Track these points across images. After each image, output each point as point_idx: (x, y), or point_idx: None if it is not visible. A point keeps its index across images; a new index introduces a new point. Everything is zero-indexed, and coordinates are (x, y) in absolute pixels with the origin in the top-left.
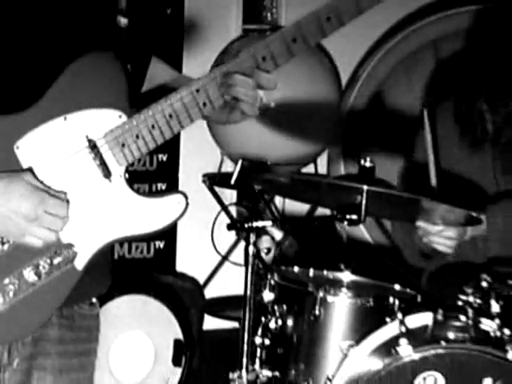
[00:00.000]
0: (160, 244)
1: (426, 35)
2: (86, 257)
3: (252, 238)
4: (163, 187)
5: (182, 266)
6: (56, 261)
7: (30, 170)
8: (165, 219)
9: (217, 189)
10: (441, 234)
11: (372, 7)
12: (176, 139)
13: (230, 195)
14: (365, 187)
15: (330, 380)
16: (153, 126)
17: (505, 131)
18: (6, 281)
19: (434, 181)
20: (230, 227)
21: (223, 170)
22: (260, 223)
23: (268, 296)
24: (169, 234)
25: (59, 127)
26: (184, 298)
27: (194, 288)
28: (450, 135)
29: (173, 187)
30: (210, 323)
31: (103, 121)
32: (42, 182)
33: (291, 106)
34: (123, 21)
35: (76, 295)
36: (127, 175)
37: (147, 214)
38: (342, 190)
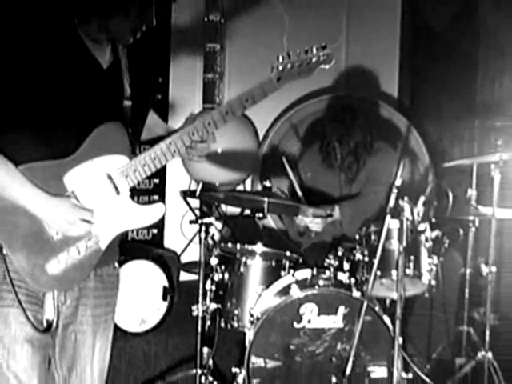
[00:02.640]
0: (154, 231)
1: (306, 111)
2: (106, 241)
3: (204, 228)
4: (156, 198)
5: (167, 243)
6: (89, 244)
7: (73, 192)
8: (154, 217)
9: (188, 199)
10: (312, 221)
11: (272, 93)
12: (163, 169)
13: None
14: (266, 199)
15: (251, 310)
16: (144, 164)
17: (348, 158)
18: (61, 255)
19: (300, 194)
20: (191, 222)
21: (192, 187)
22: (209, 220)
23: (214, 261)
24: (159, 225)
25: (89, 166)
26: (168, 261)
27: (174, 256)
28: (317, 162)
29: (161, 199)
30: (183, 276)
31: (115, 162)
32: (78, 200)
33: (229, 151)
34: (127, 103)
35: (102, 262)
36: (129, 192)
37: (143, 215)
38: (255, 198)
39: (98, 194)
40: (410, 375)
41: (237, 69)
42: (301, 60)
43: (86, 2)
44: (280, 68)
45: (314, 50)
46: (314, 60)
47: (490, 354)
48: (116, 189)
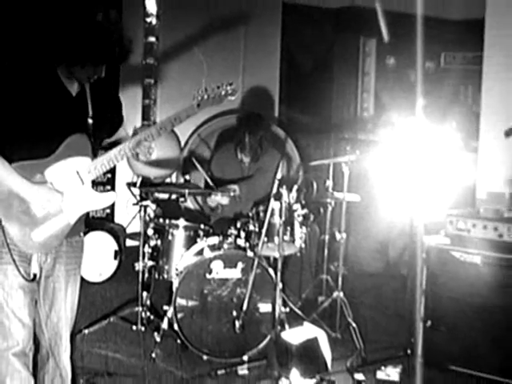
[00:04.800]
0: (108, 211)
1: (216, 126)
2: (74, 218)
3: (143, 208)
4: (109, 188)
5: (117, 219)
6: (62, 219)
7: (51, 183)
8: (107, 202)
9: (132, 188)
10: (221, 198)
11: (193, 115)
12: (114, 167)
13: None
14: (187, 191)
15: (177, 266)
16: (102, 164)
17: (254, 145)
18: (42, 227)
19: (211, 183)
20: (134, 204)
21: (134, 180)
22: (146, 203)
23: (150, 231)
24: (111, 206)
25: (63, 164)
26: (118, 232)
27: (121, 228)
28: (228, 156)
29: (112, 188)
30: (129, 243)
31: (81, 162)
32: (54, 187)
33: (160, 155)
34: (90, 121)
35: (72, 232)
36: (91, 183)
37: (101, 200)
38: (178, 188)
39: (68, 183)
40: (287, 309)
41: (167, 97)
42: (214, 93)
43: (59, 55)
44: (199, 98)
45: (224, 86)
46: (223, 93)
47: (341, 294)
48: (81, 180)
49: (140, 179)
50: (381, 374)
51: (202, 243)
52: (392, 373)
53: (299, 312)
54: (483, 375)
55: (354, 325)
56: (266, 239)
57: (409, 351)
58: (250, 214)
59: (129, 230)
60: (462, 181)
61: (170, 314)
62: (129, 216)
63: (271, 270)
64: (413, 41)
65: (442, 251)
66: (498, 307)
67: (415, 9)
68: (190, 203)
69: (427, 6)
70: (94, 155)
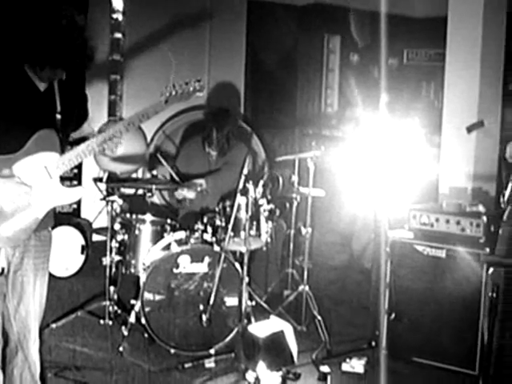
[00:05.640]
0: (75, 206)
1: (181, 121)
2: (43, 212)
3: (110, 203)
4: (75, 183)
5: (83, 215)
6: (30, 214)
7: (19, 177)
8: (75, 197)
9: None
10: (187, 191)
11: (161, 111)
12: (80, 162)
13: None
14: (154, 186)
15: (144, 260)
16: (69, 159)
17: (221, 140)
18: (10, 221)
19: (176, 178)
20: (100, 199)
21: (100, 175)
22: (113, 198)
23: (117, 226)
24: (78, 201)
25: (32, 159)
26: (84, 227)
27: (88, 223)
28: (198, 148)
29: (79, 184)
30: (95, 238)
31: (49, 157)
32: (23, 181)
33: (127, 151)
34: (58, 116)
35: (40, 227)
36: (59, 178)
37: (68, 195)
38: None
39: (37, 178)
40: (254, 303)
41: (132, 93)
42: (182, 89)
43: (20, 55)
44: (167, 94)
45: (192, 82)
46: (191, 89)
47: (307, 288)
48: (50, 175)
49: (106, 174)
50: (346, 366)
51: (169, 238)
52: (357, 365)
53: (265, 306)
54: (446, 366)
55: (319, 318)
56: (232, 234)
57: (373, 343)
58: (217, 209)
59: (95, 225)
60: (424, 176)
61: (137, 308)
62: (95, 211)
63: (237, 265)
64: (376, 38)
65: (406, 245)
66: (460, 299)
67: (379, 6)
68: (156, 198)
69: (391, 4)
70: (62, 151)
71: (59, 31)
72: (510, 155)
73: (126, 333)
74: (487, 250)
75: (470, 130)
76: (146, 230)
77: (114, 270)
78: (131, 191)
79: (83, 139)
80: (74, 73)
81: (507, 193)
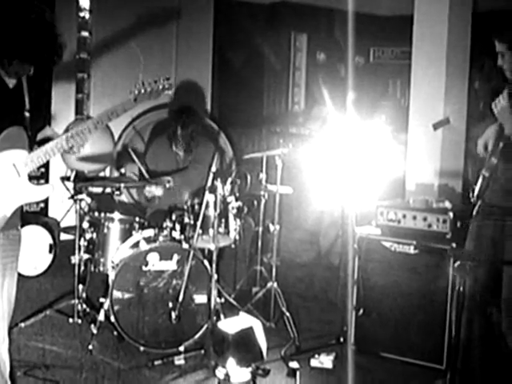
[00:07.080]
0: (42, 205)
1: (149, 119)
2: (10, 210)
3: (78, 202)
4: (42, 182)
5: (51, 213)
6: None
7: None
8: (44, 194)
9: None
10: (156, 189)
11: (130, 109)
12: (48, 161)
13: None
14: (122, 184)
15: (113, 259)
16: (38, 157)
17: (186, 139)
18: None
19: (146, 175)
20: (68, 198)
21: (68, 174)
22: (81, 196)
23: (86, 225)
24: (45, 200)
25: (0, 156)
26: (52, 226)
27: (56, 222)
28: (163, 148)
29: (46, 182)
30: (63, 236)
31: (18, 154)
32: None
33: (94, 149)
34: (27, 114)
35: (8, 226)
36: (27, 176)
37: (36, 193)
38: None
39: (4, 176)
40: (223, 300)
41: (100, 91)
42: (151, 87)
43: None
44: (136, 92)
45: (161, 80)
46: (160, 87)
47: (275, 284)
48: (18, 173)
49: (74, 173)
50: (315, 362)
51: (138, 236)
52: (325, 360)
53: (234, 302)
54: (413, 361)
55: (287, 314)
56: (200, 231)
57: (341, 339)
58: (185, 207)
59: (63, 224)
60: (391, 172)
61: (106, 306)
62: (63, 210)
63: (206, 262)
64: (343, 36)
65: (373, 241)
66: (427, 295)
67: (345, 5)
68: (124, 196)
69: (357, 2)
70: (31, 148)
71: (28, 24)
72: (481, 150)
73: (95, 331)
74: (454, 245)
75: (436, 127)
76: (114, 229)
77: (82, 268)
78: (99, 190)
79: (47, 140)
80: (41, 69)
81: (477, 188)
